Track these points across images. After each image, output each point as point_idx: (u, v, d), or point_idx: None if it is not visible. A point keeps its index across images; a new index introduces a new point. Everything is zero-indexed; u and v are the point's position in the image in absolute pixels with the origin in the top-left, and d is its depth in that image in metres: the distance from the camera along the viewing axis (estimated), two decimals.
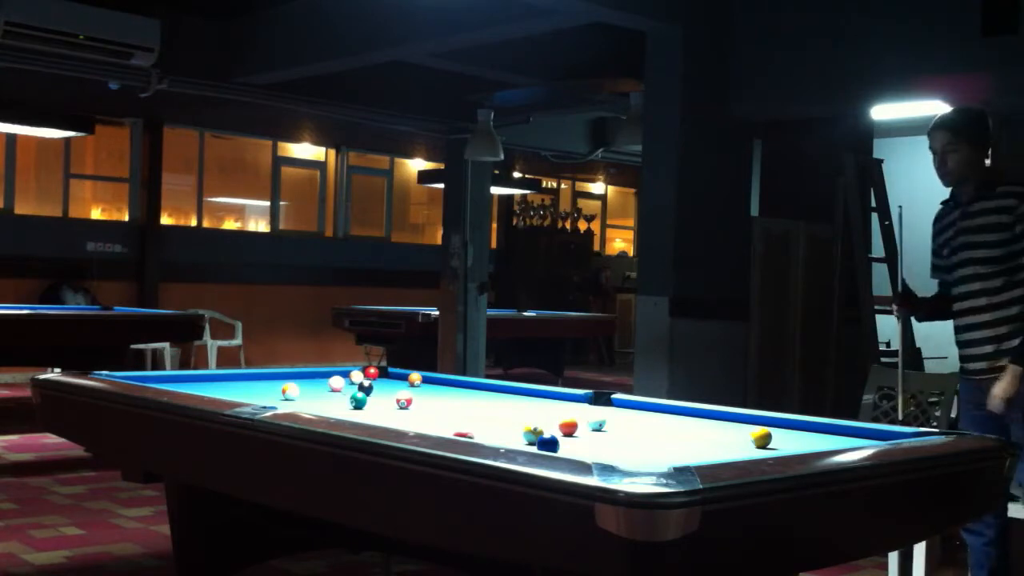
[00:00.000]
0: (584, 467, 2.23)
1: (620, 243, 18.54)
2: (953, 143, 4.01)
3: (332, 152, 14.18)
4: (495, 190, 11.84)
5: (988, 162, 4.08)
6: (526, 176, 15.34)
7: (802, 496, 2.38)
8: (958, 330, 4.13)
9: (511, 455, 2.40)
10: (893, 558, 4.37)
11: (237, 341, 12.02)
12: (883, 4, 6.16)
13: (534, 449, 2.65)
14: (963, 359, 4.11)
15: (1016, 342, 3.85)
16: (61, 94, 9.64)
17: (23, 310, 7.97)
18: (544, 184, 16.27)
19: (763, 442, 2.97)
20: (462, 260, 9.58)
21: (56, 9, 6.98)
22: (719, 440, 3.23)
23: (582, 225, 16.86)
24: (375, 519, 2.80)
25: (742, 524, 2.24)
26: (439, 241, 10.62)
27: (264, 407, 3.09)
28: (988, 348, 3.95)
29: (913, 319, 4.75)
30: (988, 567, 3.89)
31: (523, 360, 12.53)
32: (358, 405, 3.57)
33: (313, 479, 2.90)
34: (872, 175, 7.82)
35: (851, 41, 6.25)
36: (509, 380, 4.70)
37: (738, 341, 6.92)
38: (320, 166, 14.17)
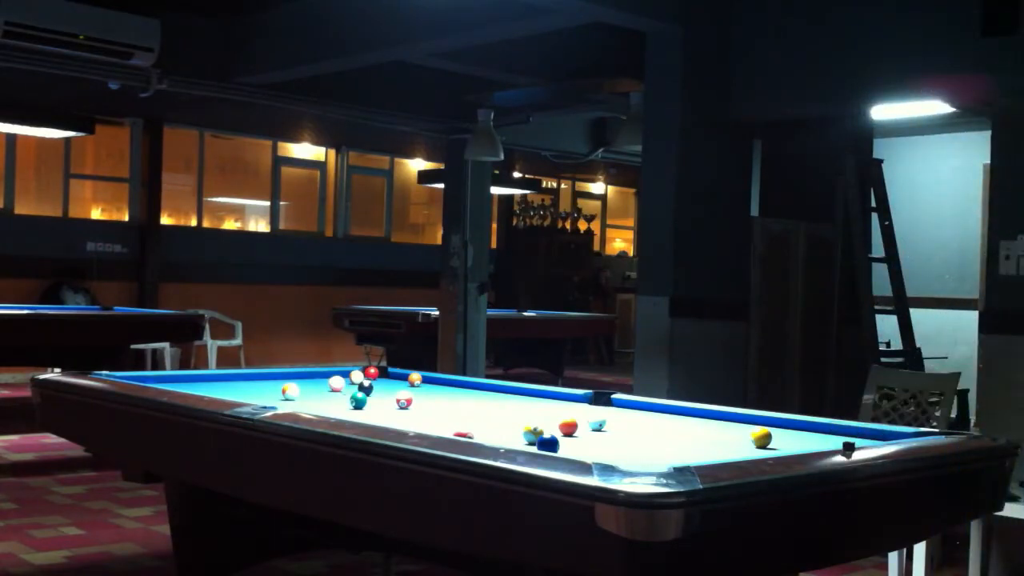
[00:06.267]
0: (584, 467, 2.24)
1: (620, 243, 18.53)
2: None
3: (332, 152, 14.18)
4: (495, 190, 11.84)
5: None
6: (526, 176, 15.34)
7: (802, 496, 2.38)
8: None
9: (511, 455, 2.40)
10: (893, 558, 4.37)
11: (237, 341, 12.02)
12: (883, 4, 6.16)
13: (534, 449, 2.65)
14: None
15: None
16: (61, 94, 9.64)
17: (23, 310, 7.96)
18: (544, 184, 16.26)
19: (763, 442, 2.97)
20: (462, 260, 9.58)
21: (56, 9, 6.98)
22: (719, 440, 3.23)
23: (582, 225, 16.86)
24: (375, 519, 2.80)
25: (742, 524, 2.24)
26: (439, 241, 10.62)
27: (264, 407, 3.09)
28: None
29: None
30: None
31: (523, 360, 12.52)
32: (358, 405, 3.57)
33: (313, 479, 2.90)
34: (872, 175, 7.82)
35: (851, 41, 6.25)
36: (509, 380, 4.70)
37: (738, 341, 6.92)
38: (320, 166, 14.17)
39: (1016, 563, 4.29)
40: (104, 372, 4.02)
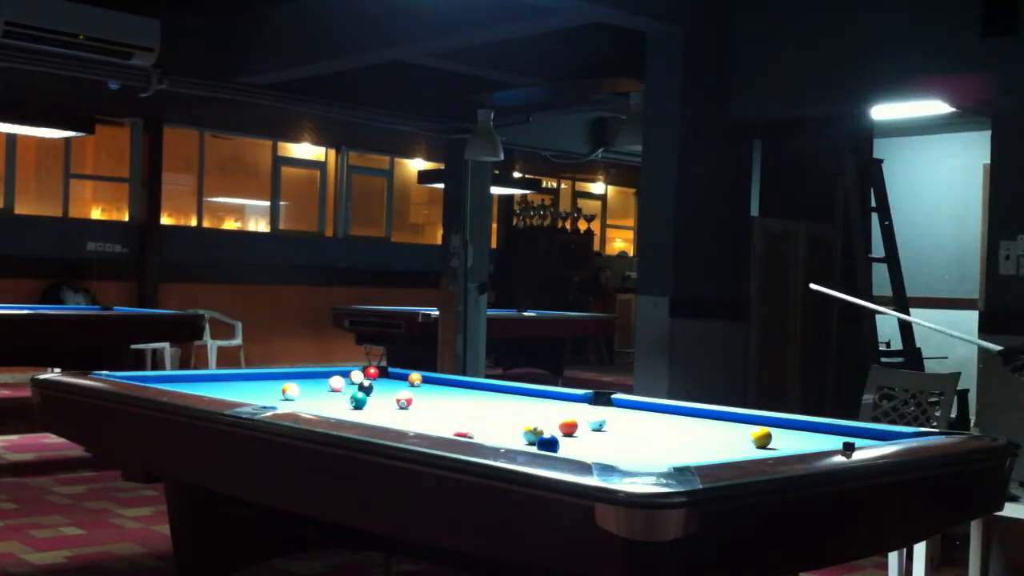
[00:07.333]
0: (584, 467, 2.23)
1: (620, 243, 18.53)
2: None
3: (332, 152, 14.18)
4: (495, 190, 11.84)
5: None
6: (526, 176, 15.34)
7: (802, 496, 2.38)
8: None
9: (511, 455, 2.40)
10: (893, 558, 4.37)
11: (237, 341, 12.02)
12: (883, 4, 6.17)
13: (534, 449, 2.65)
14: None
15: None
16: (61, 94, 9.64)
17: (23, 310, 7.96)
18: (544, 184, 16.26)
19: (763, 442, 2.97)
20: (462, 260, 9.57)
21: (56, 9, 6.98)
22: (719, 440, 3.23)
23: (582, 225, 16.86)
24: (375, 519, 2.79)
25: (742, 524, 2.24)
26: (439, 241, 10.62)
27: (264, 407, 3.09)
28: None
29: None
30: None
31: (523, 360, 12.52)
32: (358, 405, 3.56)
33: (313, 479, 2.90)
34: (872, 175, 7.82)
35: (851, 41, 6.25)
36: (509, 380, 4.70)
37: (738, 341, 6.92)
38: (320, 166, 14.17)
39: (1016, 563, 4.29)
40: (104, 372, 4.02)
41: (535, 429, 2.87)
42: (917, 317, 7.70)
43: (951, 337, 3.96)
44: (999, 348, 3.82)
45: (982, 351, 5.57)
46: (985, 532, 4.21)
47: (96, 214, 12.53)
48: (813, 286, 3.96)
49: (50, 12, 6.95)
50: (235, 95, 8.62)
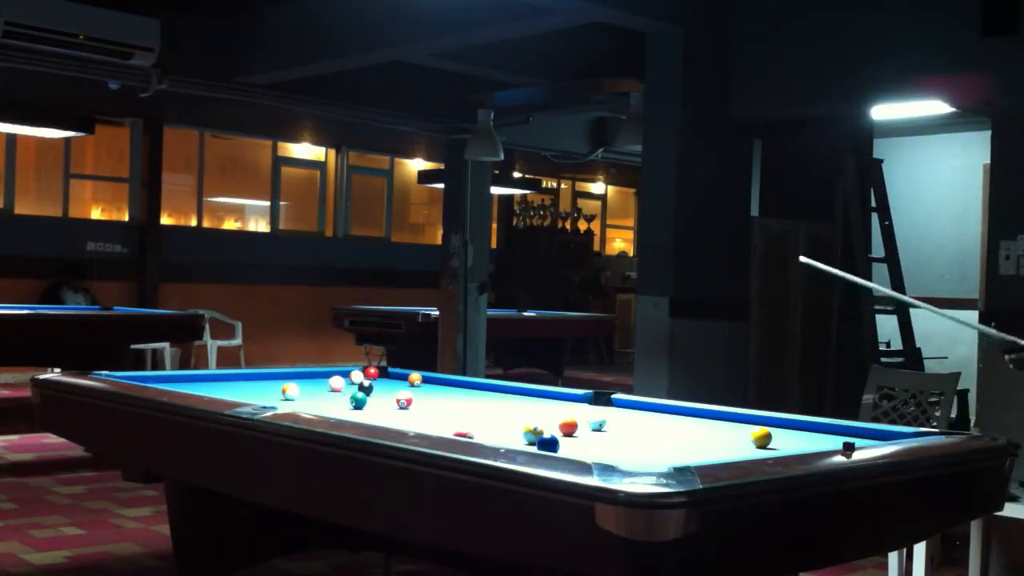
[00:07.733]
0: (584, 467, 2.23)
1: (620, 243, 18.53)
2: None
3: (332, 152, 14.18)
4: (495, 190, 11.83)
5: None
6: (526, 176, 15.34)
7: (802, 496, 2.38)
8: None
9: (511, 455, 2.40)
10: (893, 558, 4.37)
11: (237, 341, 12.02)
12: (883, 4, 6.17)
13: (534, 449, 2.65)
14: None
15: None
16: (61, 94, 9.64)
17: (23, 310, 7.96)
18: (544, 184, 16.26)
19: (763, 442, 2.97)
20: (462, 260, 9.57)
21: (56, 9, 6.99)
22: (719, 440, 3.23)
23: (582, 225, 16.86)
24: (375, 519, 2.80)
25: (742, 524, 2.24)
26: (439, 241, 10.62)
27: (264, 407, 3.09)
28: None
29: None
30: None
31: (523, 360, 12.52)
32: (358, 405, 3.57)
33: (313, 479, 2.90)
34: (872, 175, 7.82)
35: (851, 41, 6.25)
36: (509, 380, 4.70)
37: (738, 341, 6.92)
38: (320, 166, 14.17)
39: (1016, 563, 4.29)
40: (104, 372, 4.02)
41: (535, 429, 2.87)
42: (917, 318, 7.72)
43: (941, 315, 3.94)
44: (997, 333, 3.76)
45: (983, 346, 5.58)
46: (985, 532, 4.21)
47: (96, 214, 12.53)
48: (803, 259, 3.95)
49: (50, 12, 6.95)
50: (235, 95, 8.62)
